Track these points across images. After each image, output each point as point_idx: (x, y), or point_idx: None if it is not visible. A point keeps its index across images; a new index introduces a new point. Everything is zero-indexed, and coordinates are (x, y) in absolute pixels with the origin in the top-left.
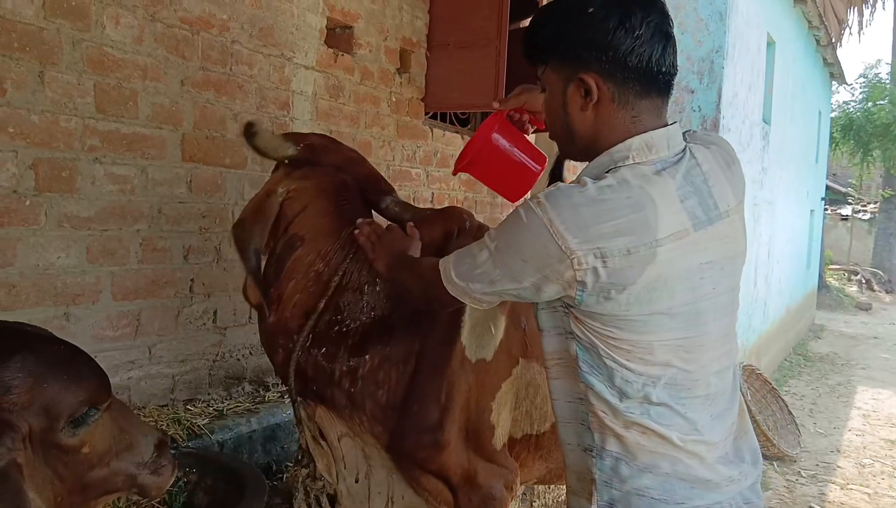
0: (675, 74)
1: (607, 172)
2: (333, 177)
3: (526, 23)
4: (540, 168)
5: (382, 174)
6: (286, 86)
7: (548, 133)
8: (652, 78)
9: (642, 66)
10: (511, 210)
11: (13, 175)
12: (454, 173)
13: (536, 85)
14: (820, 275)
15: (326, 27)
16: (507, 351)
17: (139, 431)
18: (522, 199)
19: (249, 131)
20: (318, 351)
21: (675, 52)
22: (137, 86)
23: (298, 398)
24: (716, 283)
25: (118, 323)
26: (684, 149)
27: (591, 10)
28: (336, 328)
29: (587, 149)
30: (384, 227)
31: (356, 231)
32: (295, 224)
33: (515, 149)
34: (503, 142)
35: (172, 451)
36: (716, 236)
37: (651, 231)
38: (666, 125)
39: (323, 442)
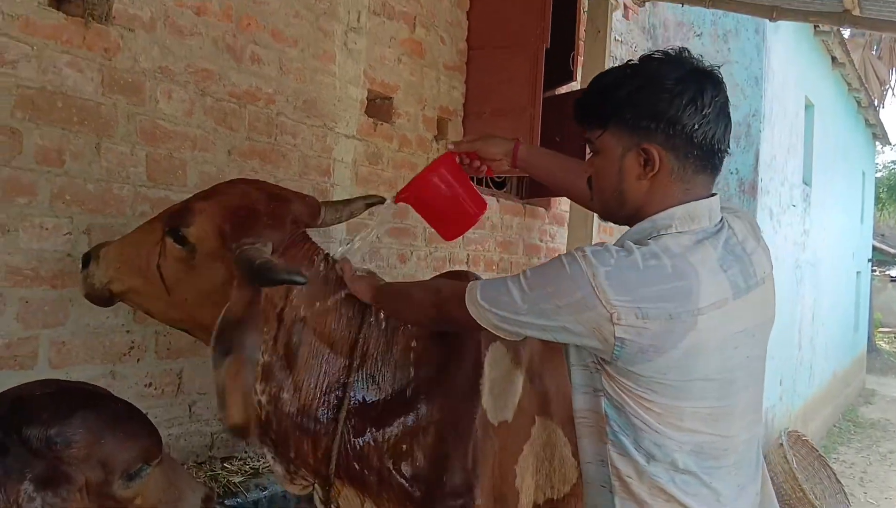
0: (729, 153)
1: (650, 238)
2: (294, 244)
3: (562, 90)
4: (479, 213)
5: (418, 237)
6: (328, 154)
7: (592, 196)
8: (711, 155)
9: (706, 143)
10: (552, 258)
11: (68, 240)
12: (395, 202)
13: (491, 134)
14: (869, 338)
15: (367, 98)
16: (526, 411)
17: (187, 486)
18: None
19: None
20: (347, 427)
21: (731, 131)
22: (187, 156)
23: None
24: (748, 351)
25: (161, 381)
26: (721, 219)
27: (666, 83)
28: (360, 402)
29: (633, 215)
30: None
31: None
32: (288, 310)
33: (458, 190)
34: (448, 180)
35: (218, 505)
36: (752, 303)
37: (693, 300)
38: (709, 196)
39: None
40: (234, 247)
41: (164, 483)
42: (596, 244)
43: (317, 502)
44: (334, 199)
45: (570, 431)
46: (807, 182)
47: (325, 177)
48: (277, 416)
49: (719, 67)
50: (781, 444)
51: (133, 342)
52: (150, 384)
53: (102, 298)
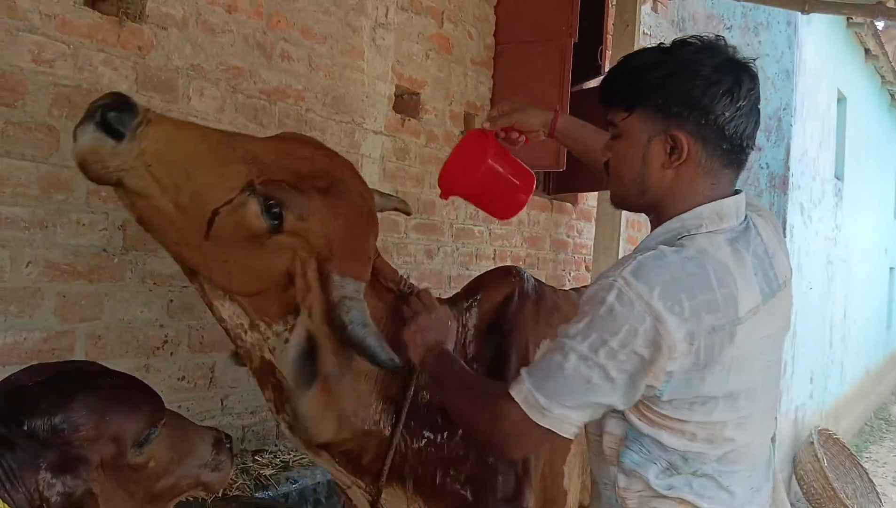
0: (754, 149)
1: (680, 238)
2: None
3: (590, 84)
4: (530, 189)
5: (445, 233)
6: (356, 150)
7: (607, 182)
8: (739, 150)
9: (736, 137)
10: (586, 299)
11: (104, 235)
12: (443, 197)
13: (526, 104)
14: None
15: (395, 94)
16: None
17: (196, 435)
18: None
19: None
20: (406, 429)
21: (759, 128)
22: None
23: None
24: (769, 356)
25: (193, 375)
26: (746, 217)
27: (703, 70)
28: (418, 404)
29: (653, 206)
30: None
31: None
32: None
33: (504, 171)
34: (497, 167)
35: (228, 446)
36: (775, 309)
37: (734, 308)
38: (735, 193)
39: None
40: (336, 279)
41: (173, 440)
42: (628, 260)
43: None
44: None
45: None
46: (839, 177)
47: None
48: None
49: (754, 61)
50: (812, 443)
51: (167, 336)
52: (183, 378)
53: (103, 177)
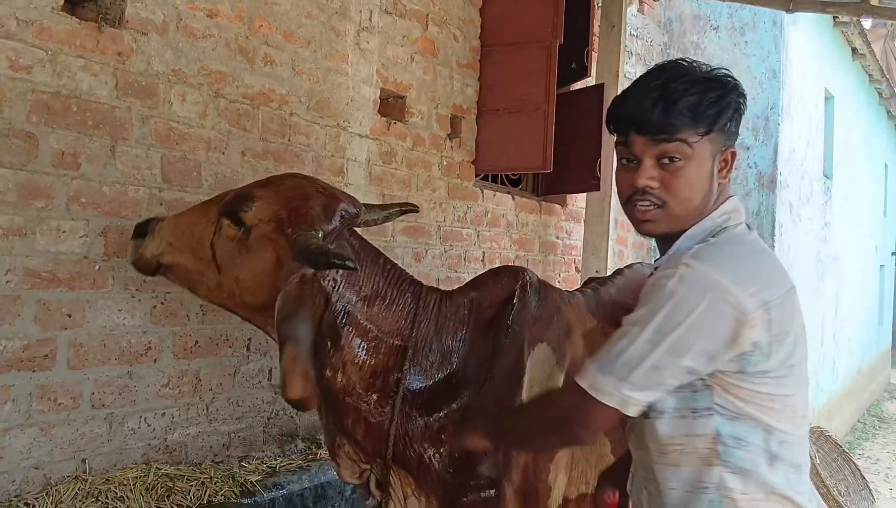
0: None
1: (714, 235)
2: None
3: (576, 86)
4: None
5: (433, 235)
6: (341, 154)
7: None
8: None
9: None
10: (647, 288)
11: (84, 242)
12: None
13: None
14: (894, 333)
15: (380, 97)
16: None
17: None
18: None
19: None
20: (402, 412)
21: None
22: (201, 157)
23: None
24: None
25: (178, 381)
26: None
27: (741, 89)
28: (413, 388)
29: (695, 221)
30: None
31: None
32: (334, 295)
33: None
34: None
35: None
36: None
37: (788, 279)
38: None
39: None
40: (289, 232)
41: None
42: (688, 253)
43: (372, 487)
44: None
45: (610, 430)
46: (827, 175)
47: (339, 176)
48: (328, 393)
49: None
50: None
51: (150, 343)
52: (168, 384)
53: (150, 268)
